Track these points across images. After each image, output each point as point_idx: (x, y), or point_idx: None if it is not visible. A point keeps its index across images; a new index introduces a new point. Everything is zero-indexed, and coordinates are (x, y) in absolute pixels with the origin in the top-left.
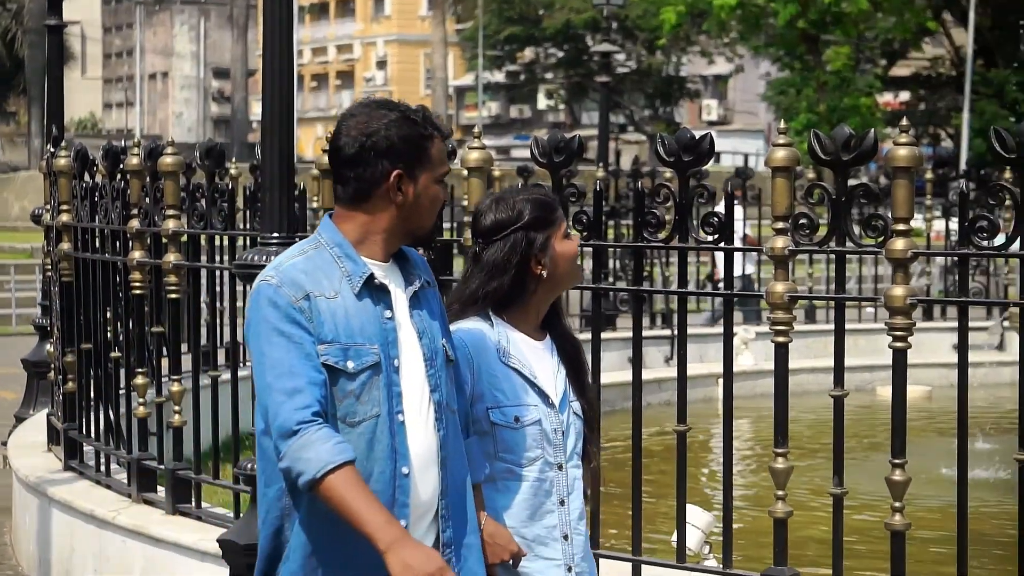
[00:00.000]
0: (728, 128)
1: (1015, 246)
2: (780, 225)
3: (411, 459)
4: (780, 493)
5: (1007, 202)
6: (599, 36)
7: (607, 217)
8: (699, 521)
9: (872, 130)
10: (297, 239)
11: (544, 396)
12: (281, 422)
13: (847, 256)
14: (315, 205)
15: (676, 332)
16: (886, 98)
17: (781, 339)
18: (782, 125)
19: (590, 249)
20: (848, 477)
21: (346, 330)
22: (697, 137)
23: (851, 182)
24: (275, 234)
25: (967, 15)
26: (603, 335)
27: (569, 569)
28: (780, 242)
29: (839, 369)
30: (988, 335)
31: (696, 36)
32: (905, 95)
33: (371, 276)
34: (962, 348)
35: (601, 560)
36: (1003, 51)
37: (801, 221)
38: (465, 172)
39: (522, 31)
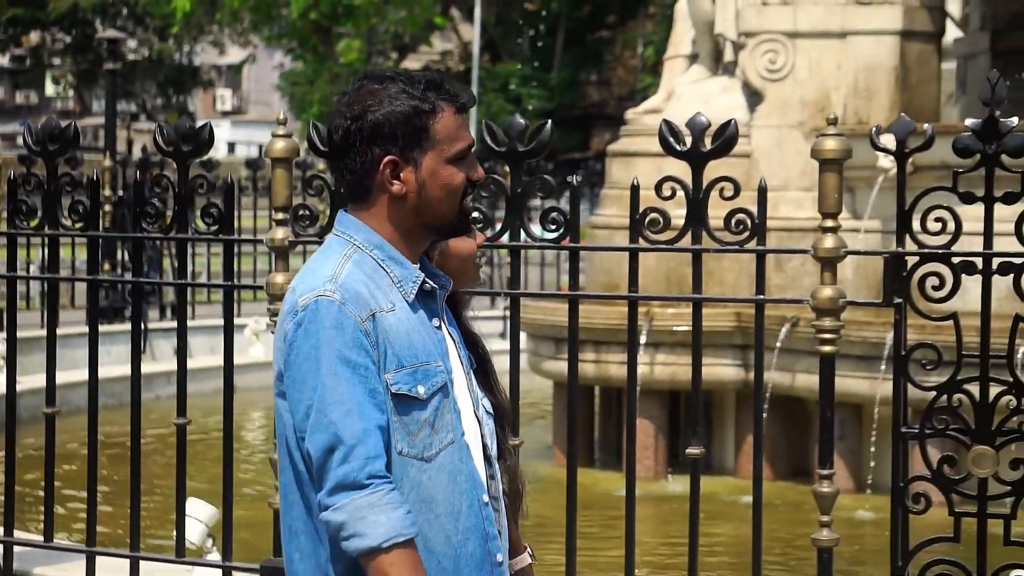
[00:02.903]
0: (243, 118)
1: (505, 238)
2: (280, 216)
3: (484, 484)
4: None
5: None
6: (108, 22)
7: (116, 207)
8: (202, 514)
9: None
10: None
11: None
12: (348, 470)
13: None
14: None
15: (178, 324)
16: None
17: None
18: (281, 116)
19: (85, 240)
20: None
21: (409, 349)
22: (198, 126)
23: None
24: None
25: (473, 11)
26: (113, 327)
27: None
28: (280, 233)
29: None
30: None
31: (209, 25)
32: None
33: (423, 281)
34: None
35: (98, 558)
36: (507, 46)
37: (301, 212)
38: None
39: (26, 14)
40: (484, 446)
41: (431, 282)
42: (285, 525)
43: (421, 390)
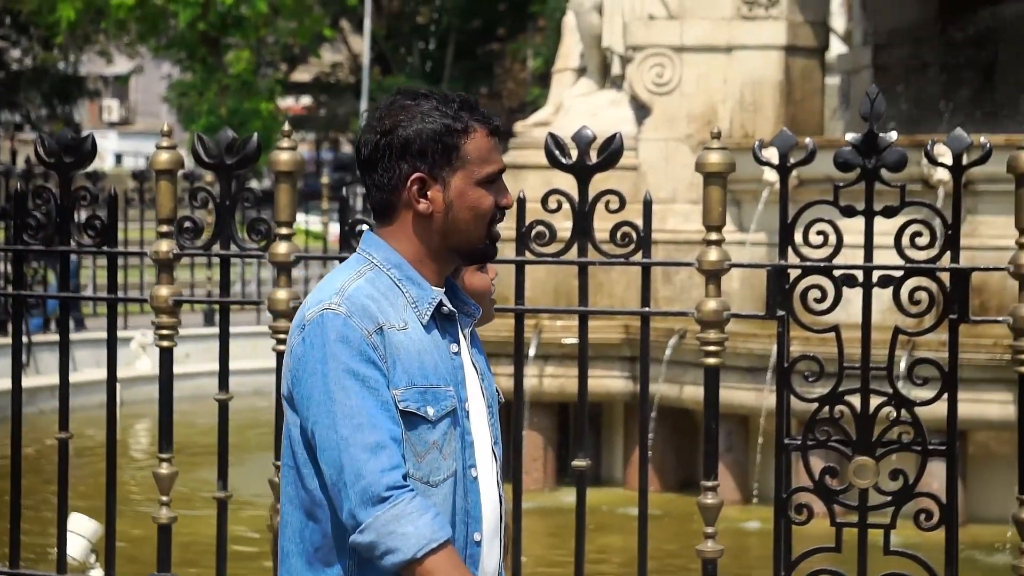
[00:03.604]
0: (130, 129)
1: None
2: (165, 228)
3: (483, 524)
4: (164, 499)
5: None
6: None
7: None
8: (84, 529)
9: (255, 134)
10: None
11: None
12: (365, 485)
13: (233, 260)
14: None
15: (60, 337)
16: (288, 102)
17: (166, 343)
18: (166, 127)
19: None
20: (239, 480)
21: (420, 369)
22: (80, 137)
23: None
24: None
25: (363, 23)
26: None
27: None
28: (164, 245)
29: (224, 373)
30: None
31: (95, 35)
32: (307, 100)
33: (440, 303)
34: None
35: None
36: (397, 59)
37: (186, 224)
38: None
39: None
40: (497, 484)
41: (449, 305)
42: (280, 546)
43: (431, 411)
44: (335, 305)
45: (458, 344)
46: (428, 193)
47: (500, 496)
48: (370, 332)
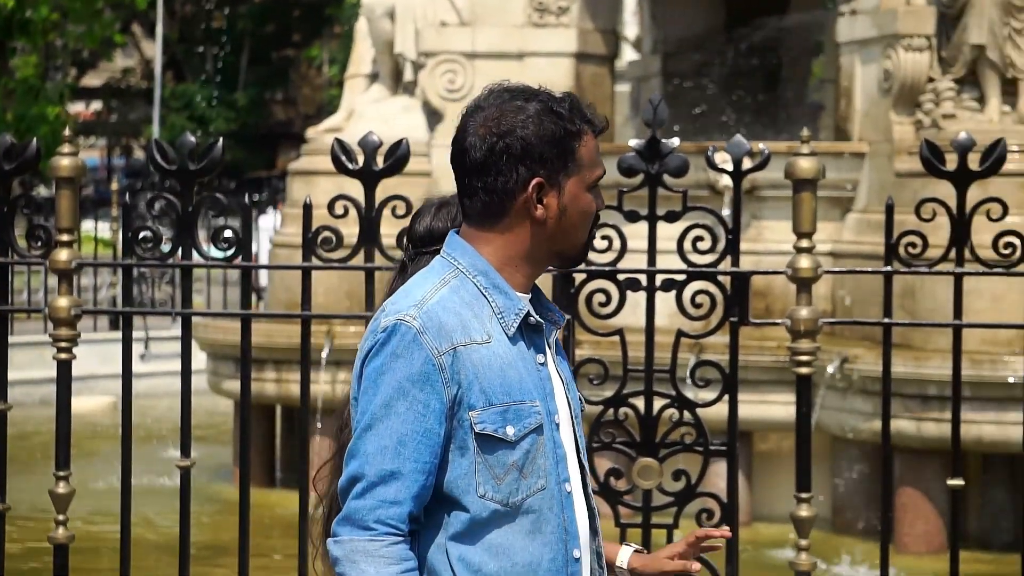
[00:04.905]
0: None
1: (178, 256)
2: None
3: (580, 539)
4: None
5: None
6: None
7: None
8: None
9: (34, 139)
10: None
11: None
12: (359, 506)
13: (18, 268)
14: None
15: None
16: (79, 107)
17: None
18: None
19: None
20: (20, 492)
21: (502, 385)
22: None
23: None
24: None
25: (156, 28)
26: None
27: None
28: None
29: (2, 383)
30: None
31: None
32: (97, 105)
33: (527, 314)
34: (126, 358)
35: None
36: (191, 64)
37: None
38: None
39: None
40: (587, 496)
41: (536, 316)
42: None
43: (510, 431)
44: (410, 318)
45: (544, 355)
46: (544, 199)
47: (591, 508)
48: (440, 352)
